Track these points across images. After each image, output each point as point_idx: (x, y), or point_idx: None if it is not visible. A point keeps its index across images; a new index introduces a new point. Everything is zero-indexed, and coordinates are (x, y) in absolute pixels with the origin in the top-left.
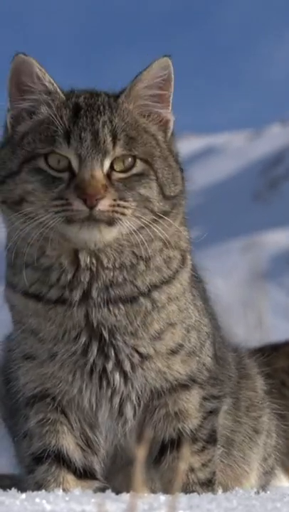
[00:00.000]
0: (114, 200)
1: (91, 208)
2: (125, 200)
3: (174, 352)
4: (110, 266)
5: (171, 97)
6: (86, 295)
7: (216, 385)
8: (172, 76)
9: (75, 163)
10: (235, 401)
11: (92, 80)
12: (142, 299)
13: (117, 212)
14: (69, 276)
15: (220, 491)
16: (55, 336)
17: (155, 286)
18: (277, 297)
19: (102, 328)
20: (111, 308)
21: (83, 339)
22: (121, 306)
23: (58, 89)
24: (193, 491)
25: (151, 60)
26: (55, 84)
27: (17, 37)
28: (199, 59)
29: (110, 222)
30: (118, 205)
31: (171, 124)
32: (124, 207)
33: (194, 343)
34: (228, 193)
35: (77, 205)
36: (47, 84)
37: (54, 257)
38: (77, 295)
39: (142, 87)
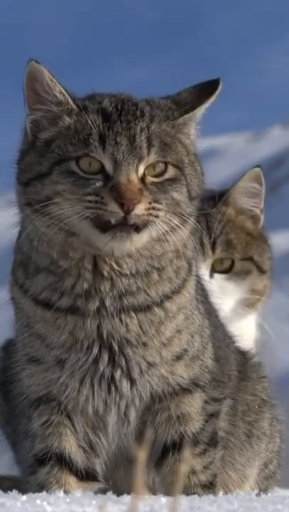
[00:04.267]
0: (150, 203)
1: (127, 212)
2: (159, 203)
3: (178, 358)
4: (128, 273)
5: None
6: (101, 304)
7: (218, 387)
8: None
9: (109, 167)
10: (234, 402)
11: (82, 92)
12: (156, 309)
13: (151, 214)
14: (86, 286)
15: (221, 493)
16: (63, 343)
17: (167, 297)
18: (277, 299)
19: (112, 340)
20: (123, 318)
21: (96, 349)
22: (133, 315)
23: (70, 100)
24: (194, 493)
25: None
26: (66, 95)
27: (5, 47)
28: (190, 68)
29: (142, 226)
30: (153, 208)
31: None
32: (158, 209)
33: (198, 347)
34: None
35: (113, 206)
36: (57, 94)
37: (75, 260)
38: (94, 305)
39: (199, 116)
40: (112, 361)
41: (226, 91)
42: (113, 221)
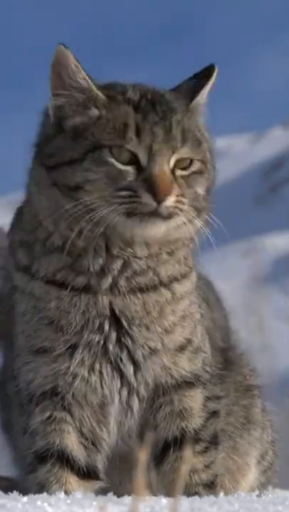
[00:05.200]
0: (177, 196)
1: (159, 203)
2: (184, 196)
3: (182, 348)
4: (141, 255)
5: None
6: (113, 283)
7: (217, 383)
8: None
9: (143, 158)
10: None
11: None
12: (162, 289)
13: (177, 207)
14: (101, 262)
15: (221, 494)
16: (76, 325)
17: (176, 279)
18: (278, 301)
19: (123, 318)
20: (132, 297)
21: (107, 327)
22: (139, 295)
23: (94, 87)
24: (196, 492)
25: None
26: (89, 82)
27: (5, 47)
28: (190, 70)
29: (166, 217)
30: (179, 202)
31: None
32: (183, 203)
33: (200, 338)
34: (229, 196)
35: (146, 198)
36: (81, 81)
37: (90, 239)
38: (106, 283)
39: (203, 101)
40: (119, 341)
41: (226, 92)
42: (145, 211)
